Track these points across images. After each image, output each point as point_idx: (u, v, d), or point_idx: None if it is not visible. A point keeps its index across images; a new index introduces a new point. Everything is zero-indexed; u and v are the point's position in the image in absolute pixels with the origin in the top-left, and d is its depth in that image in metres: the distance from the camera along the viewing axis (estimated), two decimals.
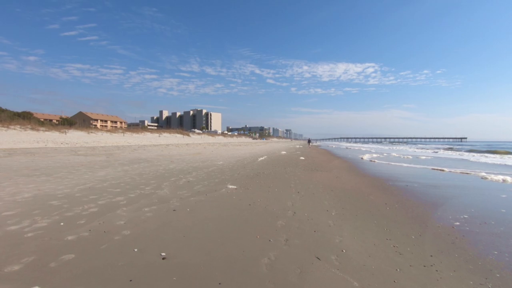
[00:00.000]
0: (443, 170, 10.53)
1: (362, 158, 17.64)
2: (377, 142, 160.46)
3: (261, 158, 14.50)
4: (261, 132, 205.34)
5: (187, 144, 23.42)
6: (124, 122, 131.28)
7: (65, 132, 29.54)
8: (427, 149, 38.91)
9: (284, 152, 21.26)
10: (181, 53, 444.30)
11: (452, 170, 10.54)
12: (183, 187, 5.93)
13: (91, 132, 34.21)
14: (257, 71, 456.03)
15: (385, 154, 23.07)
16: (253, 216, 4.11)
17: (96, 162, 10.09)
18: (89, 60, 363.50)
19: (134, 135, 43.19)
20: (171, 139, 46.89)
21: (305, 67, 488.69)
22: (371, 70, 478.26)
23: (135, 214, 3.88)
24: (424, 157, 18.93)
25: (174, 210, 4.17)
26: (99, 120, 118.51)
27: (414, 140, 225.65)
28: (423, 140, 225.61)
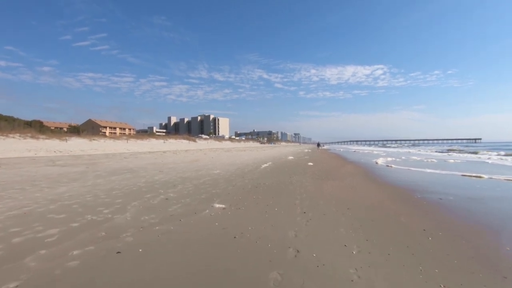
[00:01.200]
0: (480, 177, 8.89)
1: (376, 163, 16.02)
2: (386, 145, 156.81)
3: (265, 165, 13.12)
4: (269, 137, 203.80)
5: (186, 150, 22.22)
6: (133, 129, 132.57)
7: (66, 139, 28.89)
8: (443, 151, 36.65)
9: (291, 157, 19.81)
10: (189, 60, 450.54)
11: (494, 177, 8.88)
12: (154, 209, 4.61)
13: (94, 139, 33.57)
14: (265, 76, 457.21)
15: (403, 158, 21.29)
16: (237, 260, 2.74)
17: (67, 174, 8.92)
18: (101, 68, 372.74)
19: (139, 141, 42.48)
20: (176, 145, 46.02)
21: (313, 71, 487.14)
22: (380, 72, 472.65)
23: (49, 265, 2.54)
24: (451, 161, 17.18)
25: (118, 252, 2.84)
26: (108, 127, 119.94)
27: (425, 142, 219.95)
28: (435, 141, 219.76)
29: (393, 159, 20.32)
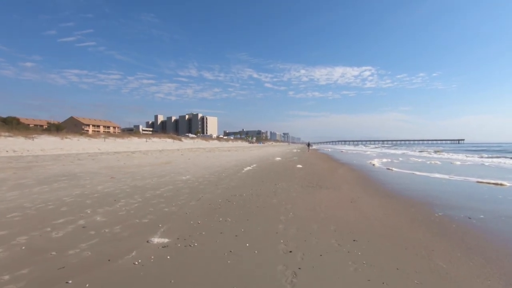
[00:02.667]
0: (501, 184, 7.49)
1: (373, 165, 14.60)
2: (375, 145, 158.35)
3: (248, 168, 11.42)
4: (258, 136, 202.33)
5: (161, 151, 20.09)
6: (118, 127, 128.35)
7: (33, 138, 26.26)
8: (433, 152, 36.06)
9: (279, 158, 18.20)
10: (179, 58, 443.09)
11: None
12: (44, 251, 2.82)
13: (67, 138, 30.94)
14: (255, 75, 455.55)
15: (400, 159, 20.03)
16: None
17: None
18: (87, 65, 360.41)
19: (118, 140, 39.91)
20: (159, 144, 43.68)
21: (303, 71, 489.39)
22: (368, 73, 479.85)
23: None
24: (457, 163, 15.99)
25: None
26: (91, 125, 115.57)
27: (412, 142, 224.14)
28: (420, 142, 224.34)
29: (389, 160, 19.04)
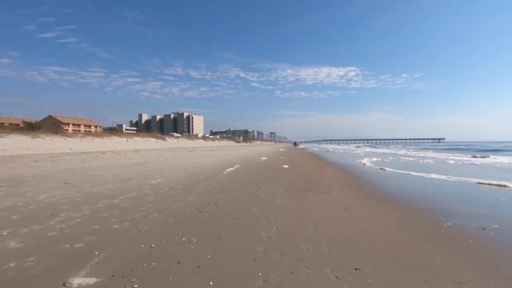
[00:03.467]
0: (505, 186, 6.91)
1: (364, 164, 14.01)
2: (359, 144, 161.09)
3: (230, 169, 10.49)
4: (245, 135, 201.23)
5: (136, 151, 18.70)
6: (100, 127, 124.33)
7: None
8: (422, 150, 36.39)
9: (265, 158, 17.36)
10: (164, 56, 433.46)
11: None
12: None
13: (38, 137, 28.87)
14: (242, 75, 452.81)
15: (390, 158, 19.61)
16: None
17: None
18: (68, 62, 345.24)
19: (97, 139, 37.90)
20: (141, 143, 41.92)
21: (289, 71, 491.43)
22: (353, 73, 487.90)
23: None
24: (451, 162, 15.65)
25: None
26: (70, 124, 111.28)
27: (395, 141, 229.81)
28: (403, 141, 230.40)
29: (380, 159, 18.59)
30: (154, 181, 7.04)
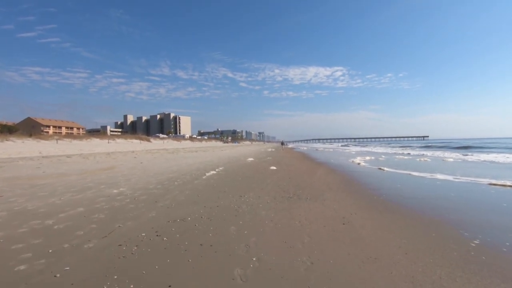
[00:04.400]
0: None
1: (358, 164, 13.21)
2: (346, 142, 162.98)
3: (212, 172, 9.42)
4: (233, 136, 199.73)
5: (108, 154, 17.15)
6: (83, 128, 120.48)
7: None
8: (415, 148, 36.40)
9: (251, 159, 16.34)
10: (150, 56, 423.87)
11: None
12: None
13: (8, 140, 26.78)
14: (230, 75, 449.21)
15: (383, 157, 18.93)
16: None
17: None
18: (50, 63, 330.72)
19: (75, 142, 35.89)
20: (124, 145, 40.05)
21: (277, 71, 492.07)
22: (339, 73, 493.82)
23: None
24: (450, 160, 15.07)
25: None
26: (51, 127, 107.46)
27: (381, 139, 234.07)
28: (389, 139, 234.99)
29: (373, 158, 17.90)
30: (115, 191, 5.87)
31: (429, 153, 23.49)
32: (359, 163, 13.46)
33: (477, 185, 6.90)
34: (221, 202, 5.12)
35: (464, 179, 7.75)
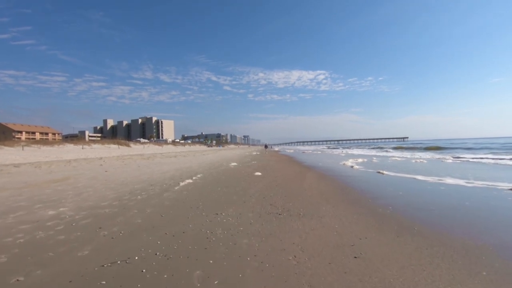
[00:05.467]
0: None
1: (351, 167, 12.27)
2: (330, 144, 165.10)
3: (187, 181, 8.14)
4: (217, 139, 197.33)
5: (68, 161, 15.20)
6: (58, 134, 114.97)
7: None
8: (404, 150, 36.44)
9: (235, 164, 15.12)
10: (132, 60, 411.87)
11: None
12: None
13: None
14: (214, 78, 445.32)
15: (375, 160, 18.14)
16: None
17: None
18: (25, 66, 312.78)
19: (44, 148, 33.18)
20: (99, 151, 37.58)
21: (261, 74, 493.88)
22: (322, 77, 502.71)
23: None
24: (449, 161, 14.45)
25: None
26: (24, 132, 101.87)
27: (364, 141, 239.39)
28: (372, 140, 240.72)
29: (365, 160, 17.11)
30: (51, 212, 4.48)
31: (420, 154, 23.19)
32: (352, 166, 12.56)
33: (496, 190, 6.04)
34: (189, 226, 3.88)
35: (478, 183, 6.89)
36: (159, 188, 6.93)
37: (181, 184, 7.68)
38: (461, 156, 17.70)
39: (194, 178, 9.04)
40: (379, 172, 9.96)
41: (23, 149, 28.41)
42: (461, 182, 7.16)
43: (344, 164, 14.31)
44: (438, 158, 16.63)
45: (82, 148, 38.08)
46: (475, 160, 14.46)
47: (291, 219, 4.26)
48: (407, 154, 22.40)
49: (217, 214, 4.53)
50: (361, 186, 7.38)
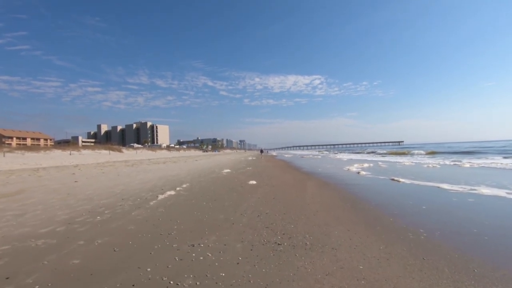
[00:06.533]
0: None
1: (358, 173, 11.07)
2: (328, 149, 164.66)
3: (169, 193, 6.89)
4: (213, 144, 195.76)
5: (37, 169, 13.76)
6: (51, 139, 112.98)
7: None
8: (408, 154, 35.48)
9: (228, 171, 13.87)
10: (128, 65, 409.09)
11: None
12: None
13: None
14: (210, 83, 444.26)
15: (381, 164, 16.91)
16: None
17: None
18: (19, 71, 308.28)
19: (29, 154, 31.57)
20: (89, 157, 36.02)
21: (257, 79, 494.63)
22: (318, 81, 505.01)
23: None
24: (467, 165, 13.31)
25: None
26: (14, 138, 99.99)
27: (360, 145, 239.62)
28: (368, 144, 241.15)
29: (371, 165, 15.89)
30: None
31: (427, 158, 22.12)
32: (358, 172, 11.37)
33: None
34: (146, 270, 2.64)
35: (491, 192, 5.74)
36: (131, 204, 5.67)
37: (160, 197, 6.42)
38: (472, 160, 16.66)
39: (178, 188, 7.78)
40: (393, 180, 8.76)
41: (4, 156, 26.79)
42: (501, 192, 5.99)
43: (348, 169, 13.13)
44: (453, 163, 15.44)
45: (70, 154, 36.46)
46: (492, 165, 13.36)
47: (295, 252, 3.06)
48: (412, 159, 21.21)
49: (193, 245, 3.30)
50: (375, 198, 6.19)
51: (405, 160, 19.08)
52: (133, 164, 17.38)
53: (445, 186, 7.01)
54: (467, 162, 14.88)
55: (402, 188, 7.46)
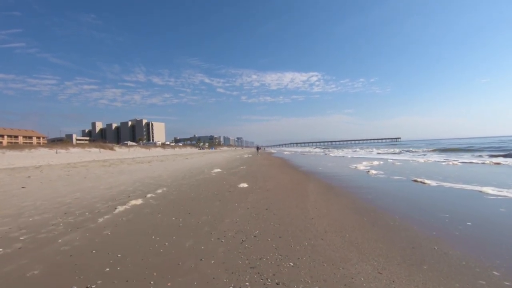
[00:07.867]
0: None
1: (367, 172, 9.52)
2: (323, 146, 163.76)
3: (133, 203, 5.35)
4: (210, 141, 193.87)
5: (12, 169, 11.99)
6: (43, 137, 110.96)
7: None
8: (413, 150, 34.15)
9: (218, 171, 12.34)
10: (124, 62, 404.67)
11: None
12: None
13: None
14: (207, 80, 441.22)
15: (391, 161, 15.45)
16: None
17: None
18: (14, 69, 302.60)
19: (10, 153, 29.80)
20: (76, 155, 34.26)
21: (254, 76, 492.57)
22: (315, 78, 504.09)
23: None
24: (488, 162, 11.83)
25: None
26: (5, 136, 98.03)
27: (357, 142, 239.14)
28: (365, 141, 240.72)
29: (381, 163, 14.36)
30: None
31: (436, 155, 20.62)
32: (367, 171, 9.85)
33: None
34: None
35: None
36: (70, 222, 4.12)
37: (118, 210, 4.88)
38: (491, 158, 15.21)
39: (149, 195, 6.24)
40: (415, 181, 7.23)
41: None
42: None
43: (356, 168, 11.61)
44: (473, 161, 13.73)
45: (56, 153, 34.67)
46: None
47: None
48: (426, 157, 19.59)
49: None
50: (401, 208, 4.69)
51: (418, 158, 17.36)
52: (111, 164, 15.74)
53: (488, 189, 5.52)
54: (489, 161, 13.26)
55: (434, 193, 5.86)
